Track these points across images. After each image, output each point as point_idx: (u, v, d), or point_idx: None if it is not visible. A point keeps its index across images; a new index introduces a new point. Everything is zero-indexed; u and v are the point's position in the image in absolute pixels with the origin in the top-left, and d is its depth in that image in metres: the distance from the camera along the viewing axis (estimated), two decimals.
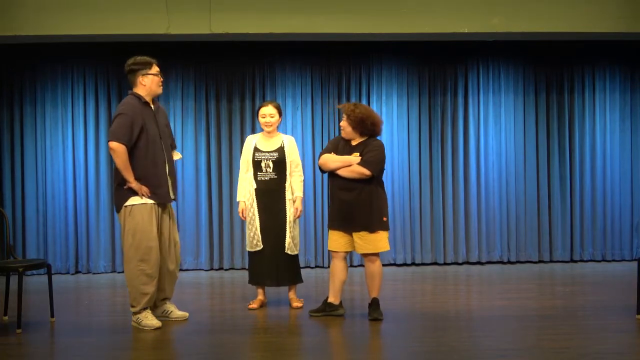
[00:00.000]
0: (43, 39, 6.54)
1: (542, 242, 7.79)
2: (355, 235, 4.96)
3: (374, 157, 4.93)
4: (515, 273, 7.17)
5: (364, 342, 4.51)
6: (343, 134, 5.09)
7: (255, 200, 5.39)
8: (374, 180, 4.96)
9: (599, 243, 7.83)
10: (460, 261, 7.72)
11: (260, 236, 5.35)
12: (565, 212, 7.81)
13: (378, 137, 5.12)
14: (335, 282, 5.10)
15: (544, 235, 7.79)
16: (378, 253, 4.98)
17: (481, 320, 5.01)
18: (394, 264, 7.69)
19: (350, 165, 4.93)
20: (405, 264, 7.70)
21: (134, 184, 4.69)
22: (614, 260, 7.80)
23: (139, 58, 4.86)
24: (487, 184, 7.79)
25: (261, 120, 5.42)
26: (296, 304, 5.46)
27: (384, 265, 7.56)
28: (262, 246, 5.35)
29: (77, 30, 6.33)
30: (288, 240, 5.35)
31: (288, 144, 5.45)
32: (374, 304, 5.03)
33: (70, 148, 7.53)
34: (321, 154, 5.13)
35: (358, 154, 4.96)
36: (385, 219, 4.98)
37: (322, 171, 5.12)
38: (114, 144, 4.63)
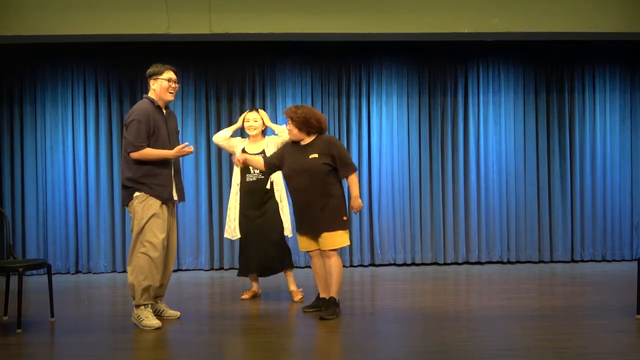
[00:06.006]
0: (43, 39, 6.54)
1: (542, 242, 7.80)
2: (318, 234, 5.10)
3: (345, 156, 5.05)
4: (515, 273, 7.16)
5: (364, 342, 4.51)
6: (291, 137, 5.19)
7: (239, 194, 5.70)
8: (328, 180, 5.00)
9: (599, 243, 7.83)
10: (460, 261, 7.72)
11: (237, 225, 5.68)
12: (565, 212, 7.81)
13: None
14: (320, 279, 5.26)
15: (544, 235, 7.79)
16: (336, 249, 5.04)
17: (481, 320, 5.00)
18: (394, 264, 7.69)
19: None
20: (405, 264, 7.71)
21: (172, 153, 4.86)
22: (614, 260, 7.81)
23: (155, 64, 5.01)
24: (487, 184, 7.79)
25: (245, 124, 5.80)
26: (298, 296, 5.69)
27: (384, 265, 7.66)
28: (239, 235, 5.68)
29: (77, 30, 6.33)
30: (286, 225, 5.66)
31: (267, 143, 5.75)
32: (329, 302, 5.07)
33: (70, 148, 7.53)
34: (277, 153, 5.32)
35: (316, 155, 5.00)
36: (345, 217, 5.03)
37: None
38: (135, 154, 4.78)
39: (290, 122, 5.11)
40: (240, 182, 5.72)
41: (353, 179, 5.07)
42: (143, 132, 4.79)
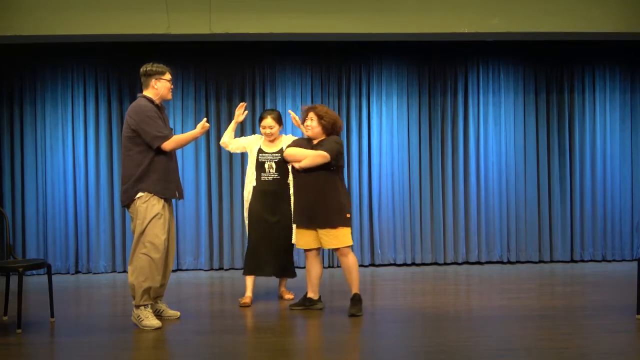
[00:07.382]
0: (43, 39, 6.54)
1: (542, 242, 7.79)
2: (320, 231, 5.11)
3: (330, 145, 5.06)
4: (515, 273, 7.17)
5: (364, 342, 4.51)
6: (310, 134, 5.23)
7: (252, 193, 5.64)
8: (335, 177, 5.07)
9: (599, 243, 7.83)
10: (460, 261, 7.72)
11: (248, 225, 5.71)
12: (565, 212, 7.81)
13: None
14: (311, 278, 5.33)
15: (544, 235, 7.79)
16: (348, 246, 5.09)
17: (481, 320, 5.01)
18: (394, 264, 7.69)
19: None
20: (405, 264, 7.70)
21: (198, 130, 4.93)
22: (614, 260, 7.81)
23: (155, 64, 5.03)
24: (487, 184, 7.79)
25: (262, 131, 5.68)
26: (287, 296, 5.75)
27: (384, 265, 7.66)
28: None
29: (77, 30, 6.33)
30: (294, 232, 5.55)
31: (285, 142, 5.64)
32: (355, 299, 5.14)
33: (70, 148, 7.52)
34: (289, 146, 5.32)
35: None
36: (348, 215, 5.10)
37: (288, 162, 5.31)
38: (168, 144, 4.83)
39: (317, 119, 5.15)
40: (256, 182, 5.61)
41: (315, 154, 5.04)
42: (160, 124, 4.84)
